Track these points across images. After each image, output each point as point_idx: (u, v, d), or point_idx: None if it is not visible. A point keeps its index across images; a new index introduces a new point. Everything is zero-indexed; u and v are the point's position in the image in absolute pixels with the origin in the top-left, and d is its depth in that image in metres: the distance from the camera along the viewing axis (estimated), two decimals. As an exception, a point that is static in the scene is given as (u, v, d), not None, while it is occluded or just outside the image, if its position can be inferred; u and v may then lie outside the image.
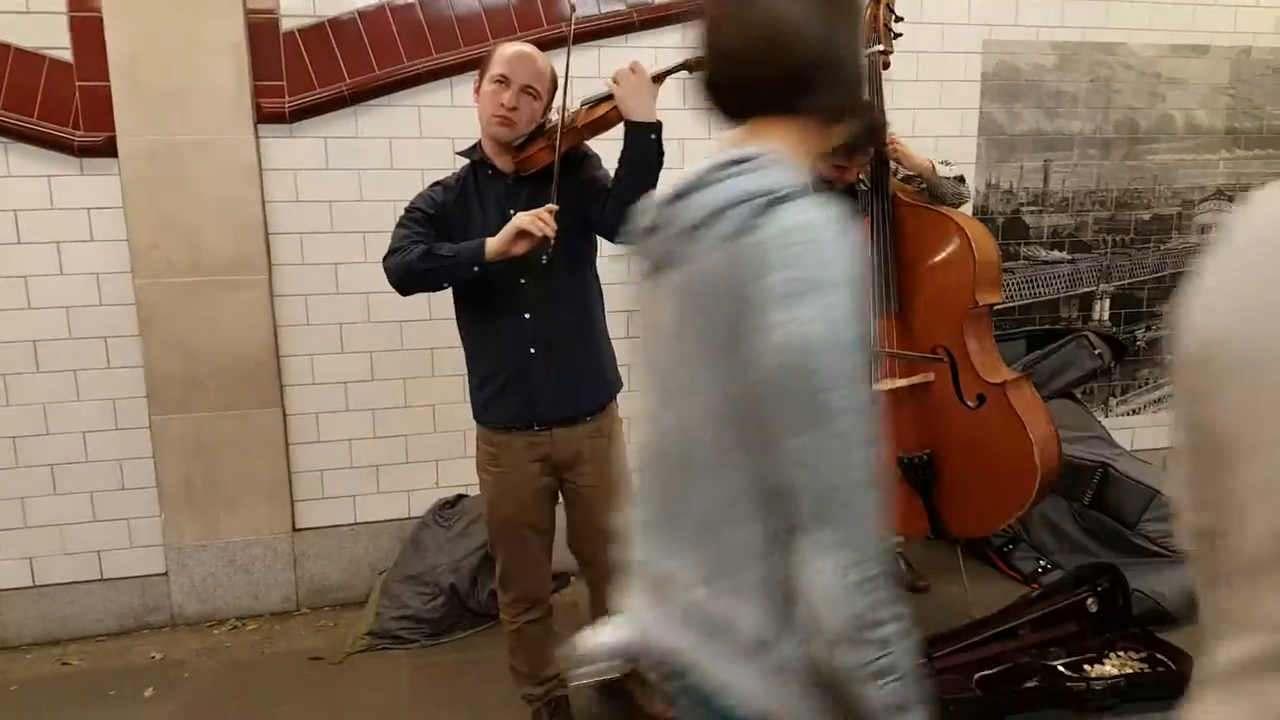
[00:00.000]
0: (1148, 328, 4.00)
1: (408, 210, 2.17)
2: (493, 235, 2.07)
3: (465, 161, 2.23)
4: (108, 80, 2.80)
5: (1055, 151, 3.72)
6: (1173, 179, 3.89)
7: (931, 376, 2.77)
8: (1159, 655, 2.64)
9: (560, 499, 2.33)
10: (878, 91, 2.90)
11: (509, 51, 2.08)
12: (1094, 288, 3.89)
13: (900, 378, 2.80)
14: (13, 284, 2.86)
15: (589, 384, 2.20)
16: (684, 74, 1.95)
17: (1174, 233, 3.94)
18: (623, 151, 1.99)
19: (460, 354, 3.13)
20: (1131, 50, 3.71)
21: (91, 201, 2.88)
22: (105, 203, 2.88)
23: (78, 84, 2.81)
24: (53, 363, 2.92)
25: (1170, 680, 2.55)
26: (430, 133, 3.08)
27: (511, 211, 2.09)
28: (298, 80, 2.96)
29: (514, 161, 2.12)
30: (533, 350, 2.12)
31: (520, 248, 1.98)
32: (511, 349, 2.14)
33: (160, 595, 3.12)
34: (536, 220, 1.94)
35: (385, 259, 2.13)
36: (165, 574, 3.11)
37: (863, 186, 2.94)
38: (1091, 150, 3.76)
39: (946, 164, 2.92)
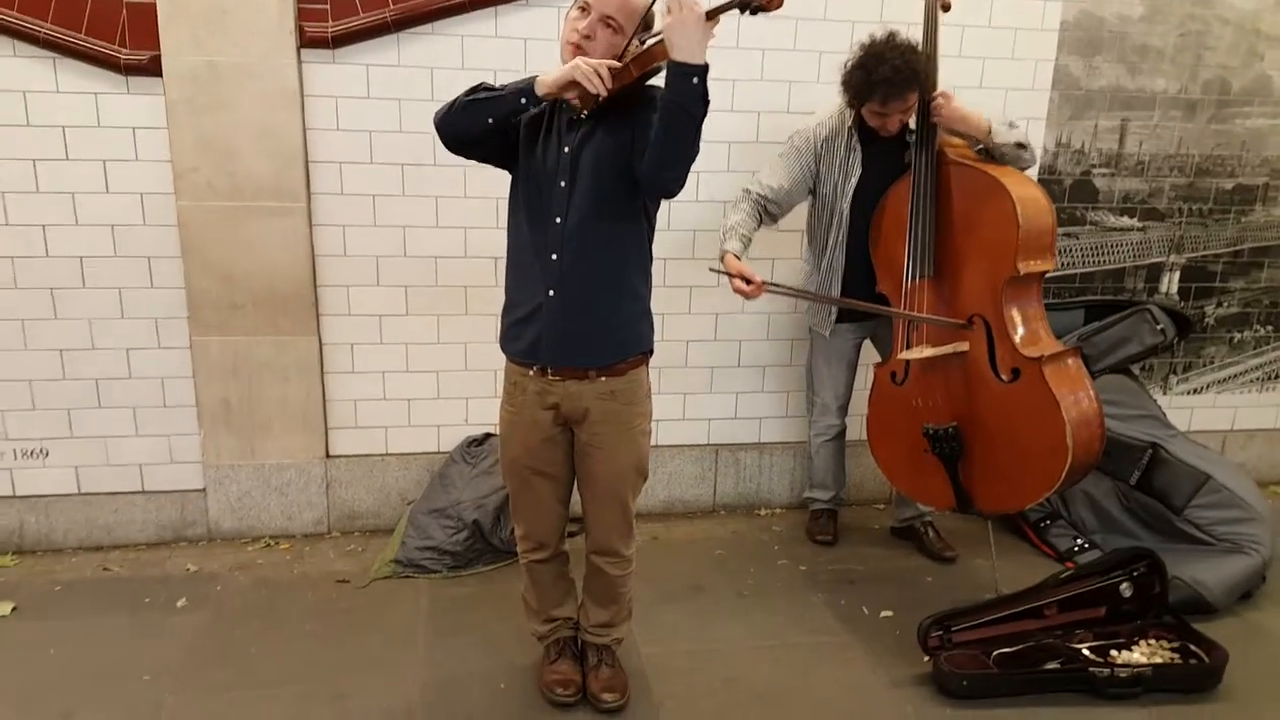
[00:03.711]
0: (1219, 304, 3.78)
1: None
2: (548, 164, 2.04)
3: None
4: (154, -3, 2.79)
5: (1134, 111, 3.47)
6: (1263, 146, 3.60)
7: (966, 346, 2.66)
8: (1192, 647, 2.55)
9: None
10: (931, 38, 2.73)
11: None
12: (1164, 258, 3.67)
13: (932, 345, 2.70)
14: (61, 200, 2.91)
15: (598, 340, 2.12)
16: (736, 12, 1.82)
17: (1258, 205, 3.68)
18: (664, 90, 1.85)
19: (492, 293, 3.16)
20: (1230, 3, 3.41)
21: (137, 121, 2.89)
22: (150, 123, 2.89)
23: (125, 0, 2.80)
24: (98, 279, 2.98)
25: (1201, 674, 2.48)
26: (473, 64, 3.01)
27: (566, 149, 2.03)
28: (341, 4, 2.90)
29: (577, 96, 2.01)
30: (550, 292, 2.07)
31: (570, 93, 1.93)
32: (534, 285, 2.09)
33: (198, 510, 3.23)
34: (593, 74, 1.86)
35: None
36: (203, 490, 3.21)
37: (911, 137, 2.81)
38: (1174, 111, 3.50)
39: (1013, 125, 2.73)
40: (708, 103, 1.82)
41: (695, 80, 1.78)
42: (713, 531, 3.45)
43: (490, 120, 2.01)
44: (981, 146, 2.72)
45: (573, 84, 1.90)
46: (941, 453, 2.73)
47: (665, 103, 1.81)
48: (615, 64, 1.89)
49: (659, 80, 1.93)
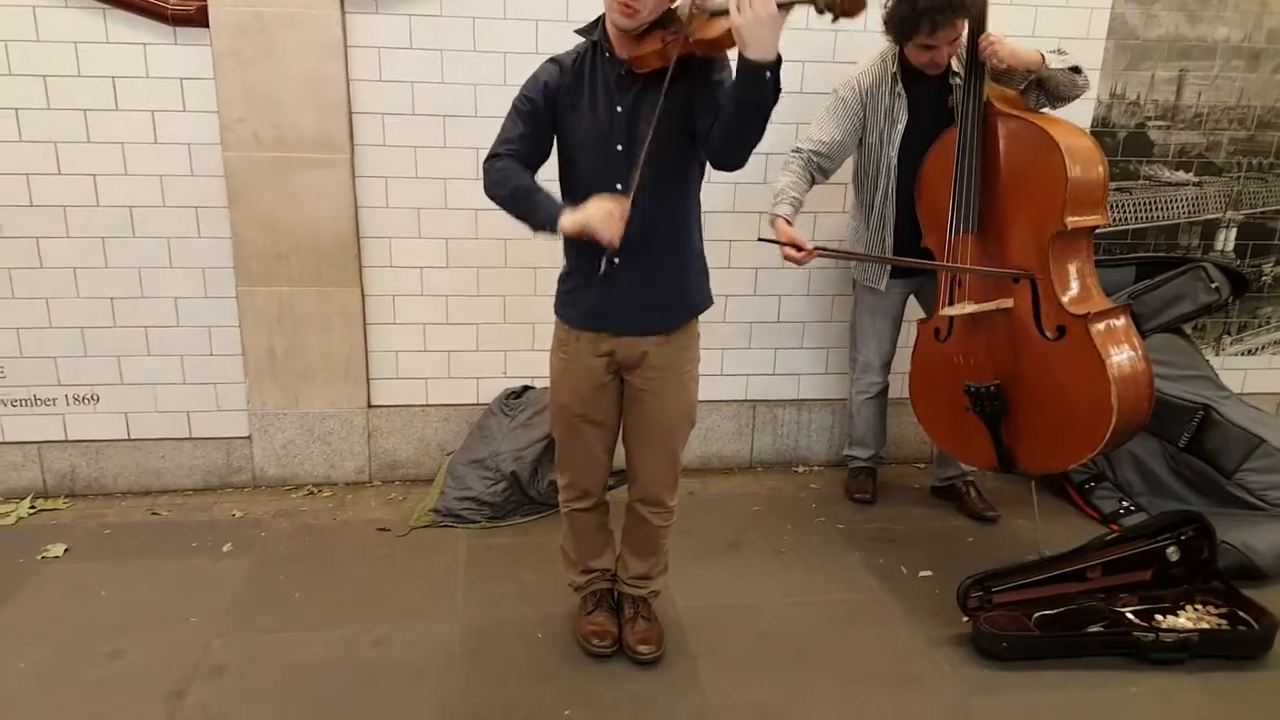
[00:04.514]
0: (1277, 262, 3.66)
1: (520, 98, 2.06)
2: (599, 126, 1.99)
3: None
4: (200, -52, 2.81)
5: (1193, 61, 3.35)
6: (1330, 98, 3.47)
7: (1010, 303, 2.61)
8: (1240, 613, 2.48)
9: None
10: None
11: None
12: (1220, 215, 3.56)
13: (976, 301, 2.65)
14: (111, 150, 2.95)
15: (663, 306, 2.13)
16: (811, 8, 1.69)
17: (1323, 159, 3.55)
18: (734, 82, 1.78)
19: (532, 247, 3.16)
20: (1300, -53, 3.28)
21: (184, 71, 2.92)
22: (197, 73, 2.92)
23: (172, -49, 2.83)
24: (147, 229, 3.04)
25: (1249, 640, 2.41)
26: (514, 14, 2.99)
27: (619, 109, 1.98)
28: (385, -47, 2.91)
29: (629, 53, 1.97)
30: (615, 260, 2.05)
31: (590, 236, 1.90)
32: (596, 252, 2.06)
33: (244, 457, 3.29)
34: (609, 224, 1.85)
35: (487, 160, 2.06)
36: (249, 438, 3.27)
37: (957, 80, 2.75)
38: (1236, 61, 3.37)
39: (1060, 53, 2.66)
40: (780, 91, 1.77)
41: (768, 75, 1.72)
42: (750, 488, 3.44)
43: (520, 221, 2.04)
44: (1034, 78, 2.65)
45: (589, 229, 1.88)
46: (983, 411, 2.68)
47: (736, 95, 1.77)
48: (627, 204, 1.86)
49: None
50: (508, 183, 2.02)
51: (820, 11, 1.69)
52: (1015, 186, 2.60)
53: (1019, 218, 2.60)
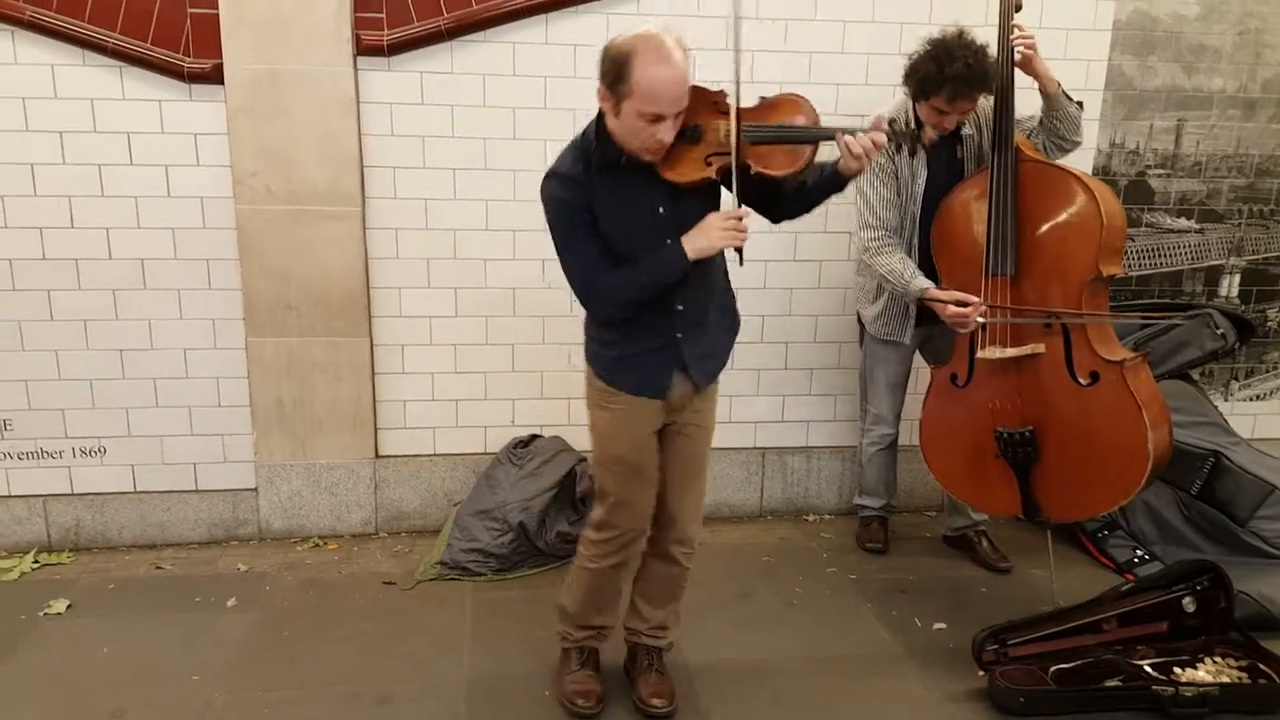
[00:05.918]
0: (1282, 308, 3.69)
1: (566, 223, 2.01)
2: (643, 222, 2.01)
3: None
4: (217, 8, 2.87)
5: (1190, 111, 3.41)
6: (1328, 146, 3.53)
7: (1042, 348, 2.60)
8: (1261, 666, 2.43)
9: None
10: (1005, 37, 2.70)
11: (661, 84, 1.82)
12: (1223, 261, 3.59)
13: (1009, 347, 2.64)
14: (124, 203, 2.99)
15: (714, 366, 2.24)
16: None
17: (1323, 206, 3.59)
18: (818, 180, 2.07)
19: (540, 295, 3.18)
20: (1291, 0, 3.36)
21: (199, 127, 2.97)
22: (211, 129, 2.97)
23: (189, 11, 2.89)
24: (158, 281, 3.06)
25: (1271, 694, 2.36)
26: (524, 70, 3.06)
27: (661, 210, 2.01)
28: (397, 13, 2.98)
29: (664, 172, 1.98)
30: (679, 334, 2.11)
31: (720, 250, 2.03)
32: (655, 331, 2.11)
33: (249, 509, 3.27)
34: (733, 236, 1.97)
35: (589, 291, 2.04)
36: (255, 490, 3.26)
37: (966, 131, 2.79)
38: (1233, 111, 3.43)
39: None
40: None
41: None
42: (760, 537, 3.41)
43: (658, 294, 2.04)
44: (1039, 119, 2.78)
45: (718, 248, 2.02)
46: (1014, 458, 2.65)
47: (821, 188, 2.07)
48: (746, 211, 2.00)
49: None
50: (629, 283, 2.02)
51: (896, 144, 2.01)
52: (1050, 232, 2.61)
53: (1054, 262, 2.60)
